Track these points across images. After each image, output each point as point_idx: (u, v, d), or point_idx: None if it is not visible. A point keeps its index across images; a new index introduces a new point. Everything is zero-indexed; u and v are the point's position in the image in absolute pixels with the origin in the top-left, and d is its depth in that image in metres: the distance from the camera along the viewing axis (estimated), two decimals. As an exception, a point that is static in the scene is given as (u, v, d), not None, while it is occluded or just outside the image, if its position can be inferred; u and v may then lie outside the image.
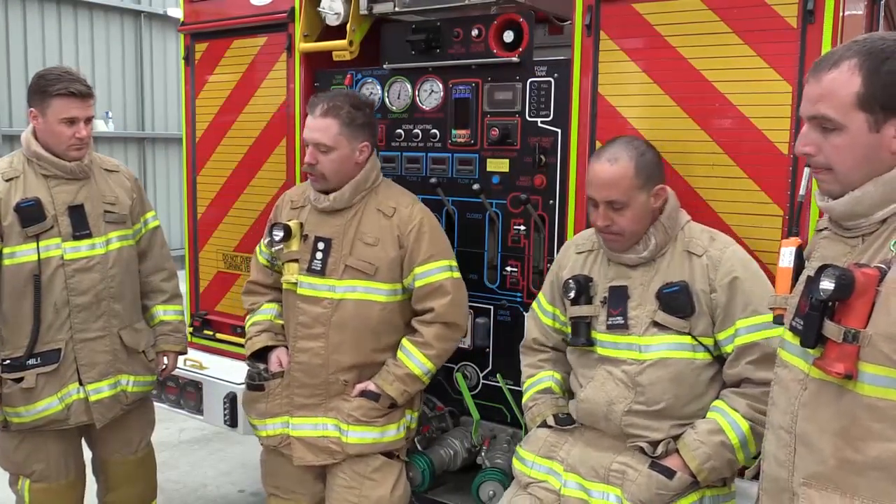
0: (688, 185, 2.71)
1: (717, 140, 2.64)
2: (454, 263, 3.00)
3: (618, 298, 2.49)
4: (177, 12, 4.77)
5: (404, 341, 2.97)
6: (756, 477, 1.93)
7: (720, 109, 2.62)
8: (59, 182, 3.07)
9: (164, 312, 3.44)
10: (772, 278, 2.53)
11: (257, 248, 3.27)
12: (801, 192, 2.38)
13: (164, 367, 3.46)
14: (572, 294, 2.55)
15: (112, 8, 11.84)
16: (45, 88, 2.99)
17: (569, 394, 2.74)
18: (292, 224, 3.00)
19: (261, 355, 3.11)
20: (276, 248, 3.01)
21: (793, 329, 1.73)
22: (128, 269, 3.27)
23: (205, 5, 4.02)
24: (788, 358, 1.77)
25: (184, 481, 4.88)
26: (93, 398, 3.14)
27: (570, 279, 2.58)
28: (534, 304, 2.85)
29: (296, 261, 2.99)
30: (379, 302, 2.94)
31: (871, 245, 1.63)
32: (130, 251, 3.30)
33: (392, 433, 2.99)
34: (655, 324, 2.42)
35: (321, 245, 2.96)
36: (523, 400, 2.79)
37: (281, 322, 3.13)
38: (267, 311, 3.17)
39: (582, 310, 2.55)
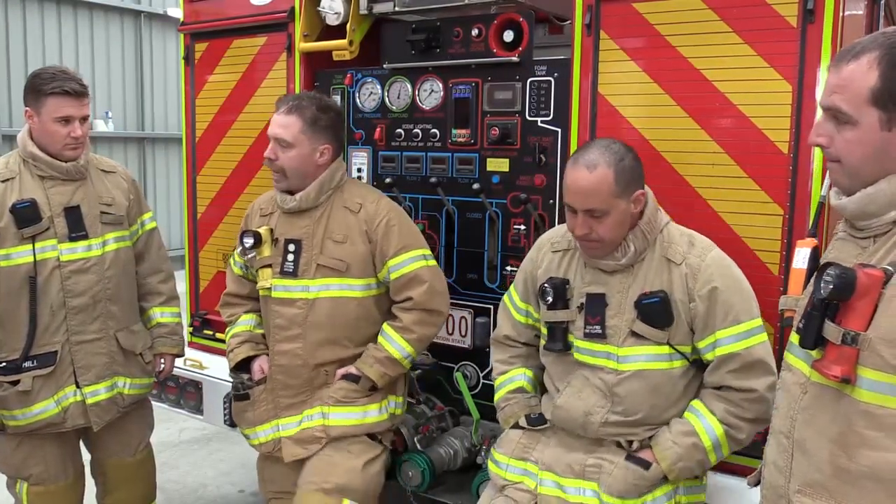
0: (688, 184, 2.70)
1: (717, 140, 2.64)
2: (427, 252, 3.00)
3: (595, 306, 2.43)
4: (177, 12, 4.77)
5: (385, 326, 2.99)
6: (758, 483, 1.90)
7: (720, 109, 2.62)
8: (55, 183, 3.04)
9: (160, 315, 3.43)
10: (769, 279, 2.55)
11: (231, 260, 3.28)
12: (823, 192, 2.36)
13: (160, 369, 3.44)
14: (549, 299, 2.49)
15: (112, 8, 11.82)
16: (39, 87, 2.97)
17: (541, 389, 2.72)
18: (262, 230, 3.02)
19: (244, 367, 3.12)
20: (249, 255, 3.03)
21: (797, 330, 1.68)
22: (125, 271, 3.25)
23: (205, 5, 4.01)
24: (793, 361, 1.72)
25: (184, 481, 4.88)
26: (90, 401, 3.12)
27: (546, 284, 2.51)
28: (505, 298, 2.81)
29: (269, 266, 3.01)
30: (354, 298, 2.96)
31: (881, 246, 1.58)
32: (128, 252, 3.28)
33: (374, 414, 3.00)
34: (633, 333, 2.37)
35: (291, 247, 2.97)
36: (495, 398, 2.78)
37: (260, 331, 3.15)
38: (246, 322, 3.17)
39: (558, 315, 2.49)
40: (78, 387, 3.09)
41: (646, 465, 2.35)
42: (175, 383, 3.90)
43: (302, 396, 3.00)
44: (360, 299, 2.97)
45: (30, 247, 2.97)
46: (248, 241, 2.99)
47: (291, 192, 2.98)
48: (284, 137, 2.89)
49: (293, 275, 2.95)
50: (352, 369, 2.97)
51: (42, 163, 3.02)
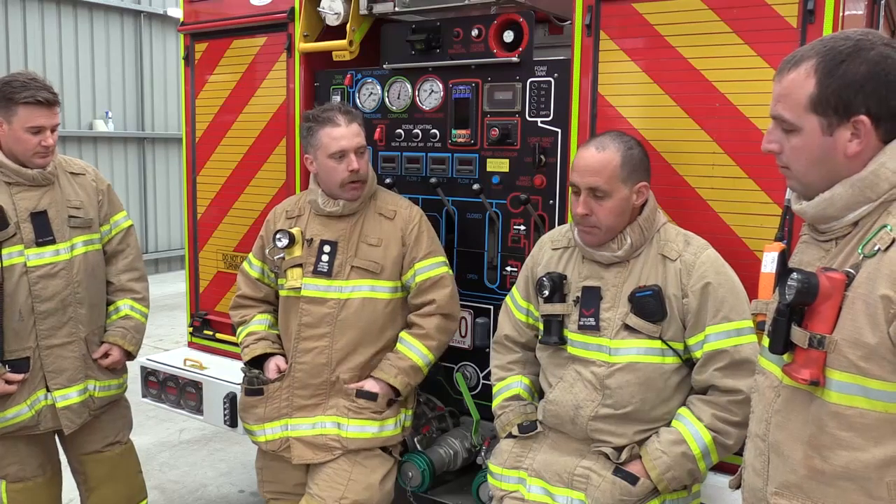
0: (688, 185, 2.70)
1: (717, 140, 2.64)
2: (446, 259, 3.11)
3: (590, 299, 2.48)
4: (177, 12, 4.77)
5: (403, 335, 3.03)
6: (739, 486, 1.91)
7: (720, 109, 2.62)
8: (21, 189, 3.05)
9: (131, 309, 3.37)
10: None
11: (245, 264, 3.29)
12: (787, 195, 2.37)
13: (106, 358, 3.27)
14: (546, 292, 2.54)
15: (112, 8, 11.80)
16: (10, 96, 2.95)
17: (539, 395, 2.72)
18: (294, 231, 3.05)
19: (256, 365, 3.12)
20: (279, 255, 3.04)
21: (768, 334, 1.70)
22: (93, 274, 3.25)
23: (205, 5, 4.02)
24: (765, 364, 1.75)
25: (184, 481, 4.88)
26: (59, 405, 3.13)
27: (544, 277, 2.57)
28: (507, 299, 2.85)
29: (299, 266, 3.02)
30: (383, 299, 3.01)
31: (843, 249, 1.60)
32: (96, 256, 3.27)
33: (390, 428, 3.02)
34: (626, 327, 2.41)
35: (327, 248, 3.02)
36: (493, 405, 2.79)
37: (276, 332, 3.17)
38: (261, 322, 3.19)
39: (555, 308, 2.54)
40: (48, 391, 3.10)
41: (633, 479, 2.35)
42: (175, 383, 3.89)
43: (316, 399, 3.00)
44: (388, 301, 3.03)
45: None
46: (284, 241, 3.02)
47: (334, 198, 3.02)
48: (363, 144, 3.01)
49: (327, 275, 2.99)
50: (366, 384, 2.97)
51: (8, 170, 3.02)
